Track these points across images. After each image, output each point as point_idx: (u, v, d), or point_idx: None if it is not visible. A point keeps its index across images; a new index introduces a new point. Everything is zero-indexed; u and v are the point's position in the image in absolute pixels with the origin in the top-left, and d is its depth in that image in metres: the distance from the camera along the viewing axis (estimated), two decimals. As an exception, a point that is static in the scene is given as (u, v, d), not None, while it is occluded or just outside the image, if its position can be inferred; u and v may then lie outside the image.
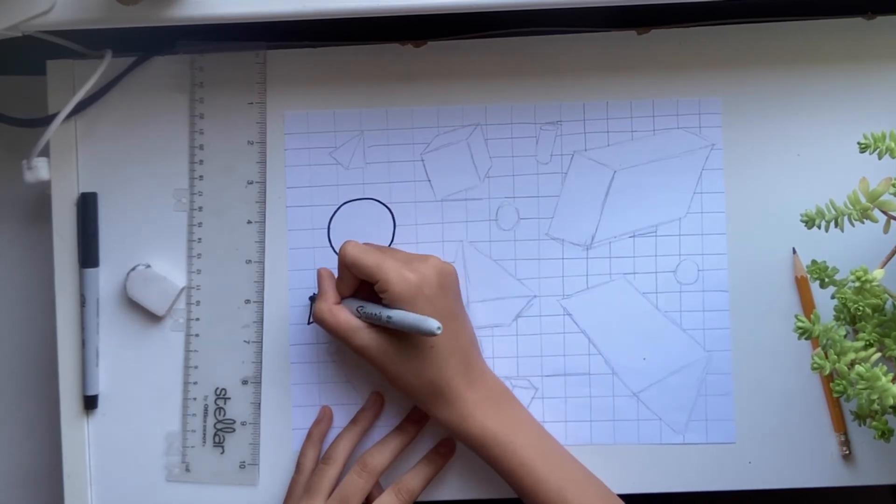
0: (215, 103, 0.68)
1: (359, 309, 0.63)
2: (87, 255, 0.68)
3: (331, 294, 0.64)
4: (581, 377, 0.68)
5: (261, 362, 0.68)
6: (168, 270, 0.69)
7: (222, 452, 0.69)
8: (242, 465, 0.68)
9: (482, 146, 0.68)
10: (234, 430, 0.69)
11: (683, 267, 0.67)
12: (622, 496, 0.65)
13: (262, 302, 0.68)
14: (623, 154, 0.67)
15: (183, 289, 0.69)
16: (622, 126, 0.67)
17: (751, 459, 0.67)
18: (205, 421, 0.68)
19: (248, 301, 0.68)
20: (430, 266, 0.63)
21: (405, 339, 0.62)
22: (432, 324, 0.59)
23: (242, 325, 0.68)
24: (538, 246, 0.68)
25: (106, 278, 0.69)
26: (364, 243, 0.65)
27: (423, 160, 0.68)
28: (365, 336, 0.62)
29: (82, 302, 0.68)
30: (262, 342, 0.68)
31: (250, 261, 0.68)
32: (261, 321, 0.68)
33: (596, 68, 0.67)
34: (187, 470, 0.68)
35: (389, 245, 0.68)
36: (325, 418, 0.68)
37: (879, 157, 0.59)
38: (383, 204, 0.68)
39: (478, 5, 0.61)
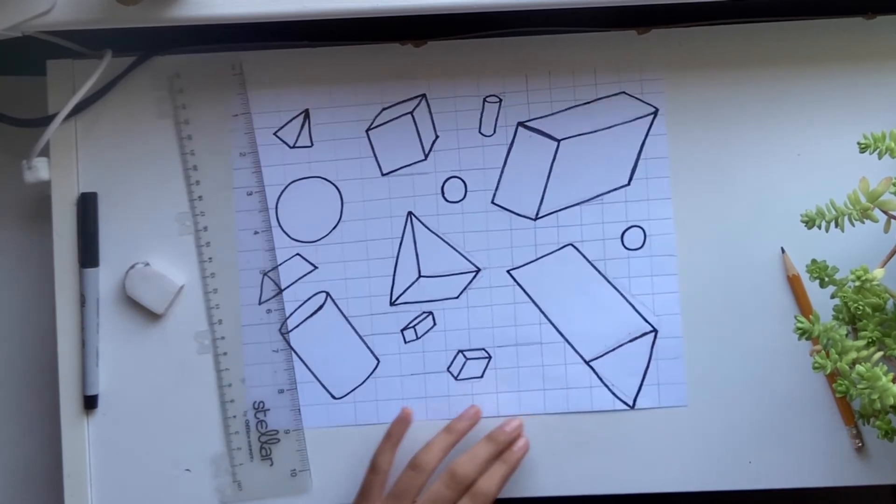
0: (200, 121, 0.68)
1: None
2: (87, 254, 0.68)
3: None
4: (533, 346, 0.68)
5: (293, 369, 0.68)
6: (167, 268, 0.69)
7: (271, 465, 0.69)
8: (294, 473, 0.68)
9: (427, 120, 0.68)
10: (279, 440, 0.69)
11: (630, 233, 0.68)
12: (620, 496, 0.66)
13: (283, 309, 0.68)
14: (567, 123, 0.67)
15: (182, 287, 0.69)
16: (565, 96, 0.67)
17: (751, 459, 0.67)
18: (248, 437, 0.68)
19: (269, 311, 0.68)
20: None
21: None
22: None
23: (269, 336, 0.69)
24: (486, 218, 0.68)
25: (105, 278, 0.69)
26: None
27: (368, 136, 0.68)
28: None
29: (82, 302, 0.68)
30: (290, 349, 0.68)
31: (264, 271, 0.68)
32: (286, 330, 0.68)
33: (596, 68, 0.67)
34: (240, 488, 0.68)
35: (337, 223, 0.68)
36: (405, 418, 0.67)
37: (879, 157, 0.59)
38: (330, 182, 0.68)
39: (478, 5, 0.61)
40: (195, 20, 0.62)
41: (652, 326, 0.67)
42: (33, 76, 0.70)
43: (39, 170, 0.67)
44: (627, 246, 0.68)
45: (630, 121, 0.67)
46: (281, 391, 0.68)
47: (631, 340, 0.67)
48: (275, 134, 0.68)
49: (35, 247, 0.72)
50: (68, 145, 0.69)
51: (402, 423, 0.67)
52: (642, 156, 0.67)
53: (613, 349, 0.68)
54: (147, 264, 0.68)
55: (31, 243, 0.73)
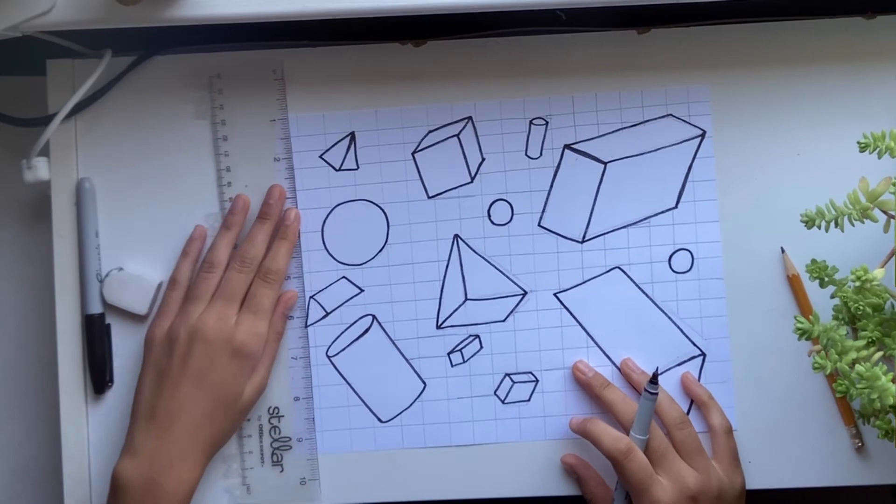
0: (237, 123, 0.68)
1: None
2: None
3: None
4: None
5: (310, 377, 0.68)
6: (141, 269, 0.69)
7: (281, 471, 0.68)
8: (303, 482, 0.68)
9: (473, 143, 0.68)
10: (291, 447, 0.68)
11: (678, 256, 0.67)
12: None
13: (306, 317, 0.68)
14: (613, 146, 0.67)
15: (160, 284, 0.68)
16: (612, 118, 0.67)
17: (750, 459, 0.67)
18: (261, 441, 0.68)
19: (290, 317, 0.68)
20: None
21: None
22: None
23: (289, 342, 0.68)
24: (532, 241, 0.68)
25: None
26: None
27: (414, 159, 0.68)
28: None
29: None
30: (309, 357, 0.68)
31: (290, 277, 0.68)
32: (305, 336, 0.68)
33: (596, 68, 0.67)
34: (248, 492, 0.68)
35: (384, 246, 0.68)
36: (200, 235, 0.68)
37: (879, 157, 0.59)
38: (376, 205, 0.68)
39: (478, 5, 0.62)
40: (195, 20, 0.62)
41: (700, 350, 0.67)
42: (33, 76, 0.70)
43: (39, 169, 0.67)
44: (675, 269, 0.67)
45: (677, 143, 0.67)
46: (297, 399, 0.68)
47: (679, 364, 0.67)
48: (321, 157, 0.68)
49: (35, 247, 0.72)
50: (68, 145, 0.69)
51: (197, 241, 0.68)
52: (690, 178, 0.67)
53: (661, 373, 0.67)
54: (121, 269, 0.68)
55: (31, 243, 0.73)
